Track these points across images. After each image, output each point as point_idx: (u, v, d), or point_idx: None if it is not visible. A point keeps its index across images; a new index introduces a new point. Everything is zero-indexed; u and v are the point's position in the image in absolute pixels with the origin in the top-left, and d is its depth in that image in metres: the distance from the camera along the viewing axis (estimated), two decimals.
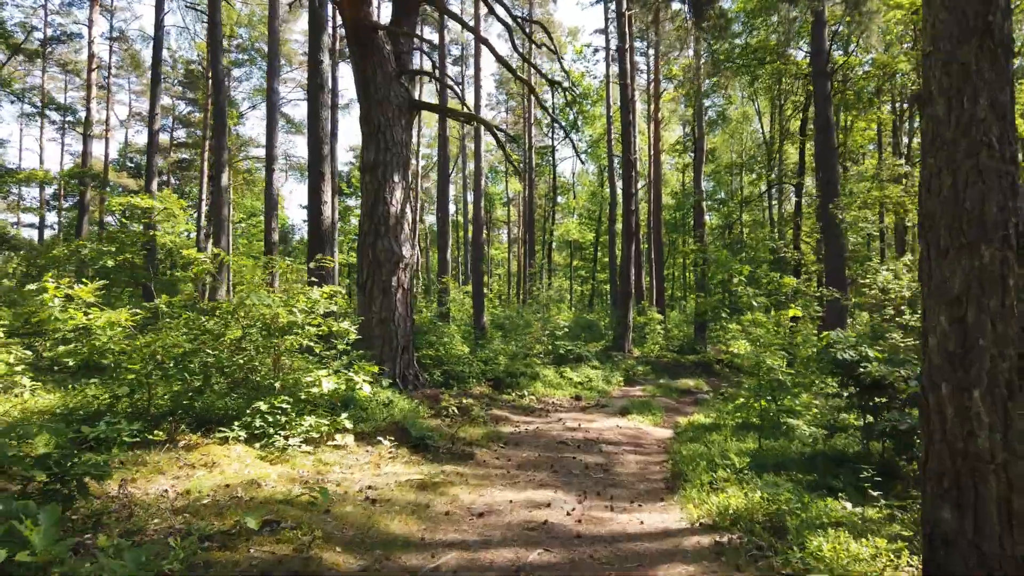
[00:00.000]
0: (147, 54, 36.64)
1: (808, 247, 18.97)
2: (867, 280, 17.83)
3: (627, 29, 21.58)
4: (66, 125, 38.70)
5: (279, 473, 5.55)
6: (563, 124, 37.96)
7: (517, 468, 6.95)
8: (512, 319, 17.84)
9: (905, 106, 24.25)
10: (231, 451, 5.79)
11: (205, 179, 33.21)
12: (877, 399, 6.46)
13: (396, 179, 10.40)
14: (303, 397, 6.45)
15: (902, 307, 17.68)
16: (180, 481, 5.14)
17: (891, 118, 19.90)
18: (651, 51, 34.87)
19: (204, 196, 33.21)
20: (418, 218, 39.52)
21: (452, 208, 49.15)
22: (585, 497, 5.94)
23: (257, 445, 6.04)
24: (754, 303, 9.01)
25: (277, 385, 6.53)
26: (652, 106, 32.88)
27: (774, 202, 29.11)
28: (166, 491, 4.76)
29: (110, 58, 35.39)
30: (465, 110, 12.31)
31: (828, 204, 15.32)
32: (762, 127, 30.51)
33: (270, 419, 6.19)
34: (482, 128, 20.96)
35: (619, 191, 23.66)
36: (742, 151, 34.29)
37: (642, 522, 5.26)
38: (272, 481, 5.31)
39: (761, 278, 10.38)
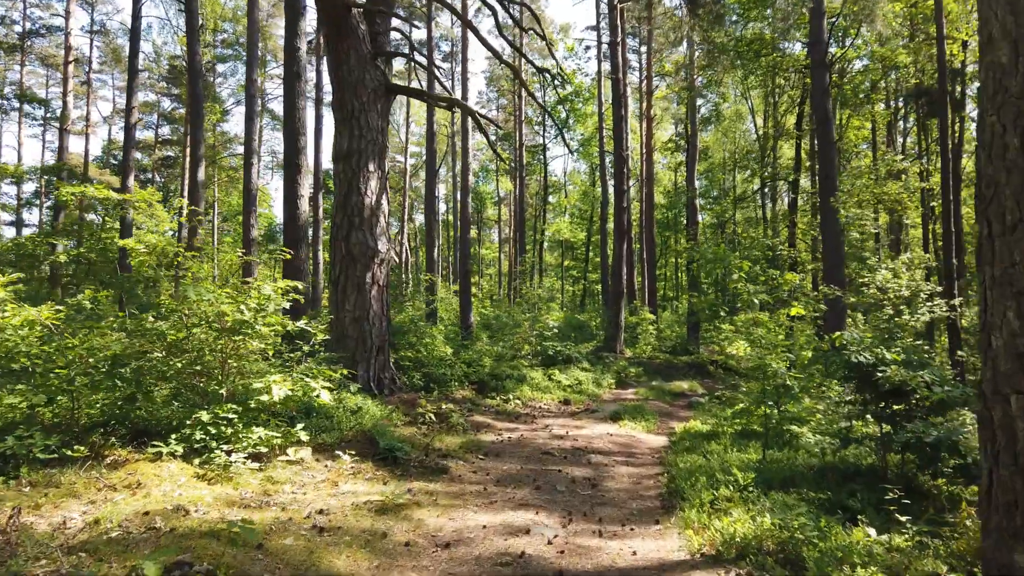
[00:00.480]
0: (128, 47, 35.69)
1: (804, 245, 18.33)
2: (865, 279, 17.22)
3: (619, 22, 20.89)
4: (47, 121, 37.66)
5: (216, 495, 4.76)
6: (550, 111, 37.34)
7: (496, 484, 6.19)
8: (500, 319, 17.07)
9: (901, 103, 23.71)
10: (163, 469, 5.00)
11: (187, 176, 32.25)
12: (896, 406, 5.76)
13: (371, 168, 9.62)
14: (253, 406, 5.66)
15: (901, 307, 17.08)
16: (95, 507, 4.34)
17: (888, 114, 19.30)
18: (643, 48, 34.25)
19: (187, 194, 32.28)
20: (407, 216, 38.74)
21: (443, 207, 48.42)
22: (570, 520, 5.19)
23: (196, 461, 5.25)
24: (755, 300, 8.32)
25: (223, 392, 5.75)
26: (644, 103, 32.24)
27: (767, 201, 28.53)
28: (65, 522, 3.97)
29: (91, 52, 34.40)
30: (446, 95, 11.53)
31: (827, 199, 14.67)
32: (755, 125, 29.91)
33: (213, 431, 5.40)
34: (470, 123, 20.21)
35: (611, 189, 22.95)
36: (735, 150, 33.71)
37: (635, 552, 4.52)
38: (205, 506, 4.52)
39: (759, 275, 9.69)
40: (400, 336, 11.30)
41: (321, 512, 4.74)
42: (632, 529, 5.05)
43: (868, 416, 6.22)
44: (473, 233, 48.83)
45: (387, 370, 9.70)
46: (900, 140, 26.16)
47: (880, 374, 5.65)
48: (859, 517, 4.86)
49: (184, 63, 34.62)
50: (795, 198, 17.87)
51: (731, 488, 5.52)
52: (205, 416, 5.37)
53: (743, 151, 34.72)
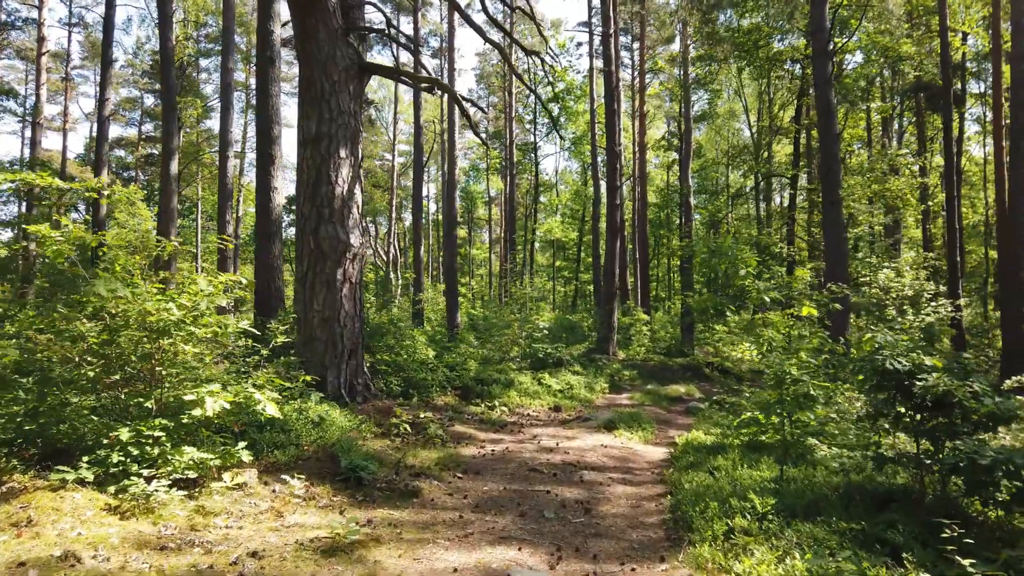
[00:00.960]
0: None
1: (802, 243, 17.60)
2: (867, 278, 16.46)
3: (612, 13, 20.09)
4: (25, 117, 36.38)
5: (127, 534, 3.86)
6: (543, 102, 36.41)
7: (474, 509, 5.32)
8: (488, 320, 16.20)
9: (897, 101, 23.08)
10: (66, 501, 4.09)
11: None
12: (937, 420, 4.94)
13: (343, 154, 8.73)
14: (186, 421, 4.76)
15: (904, 307, 16.36)
16: None
17: (888, 108, 18.59)
18: (636, 44, 33.55)
19: (160, 187, 31.16)
20: (396, 215, 37.79)
21: (433, 207, 47.48)
22: (559, 557, 4.33)
23: (112, 489, 4.34)
24: (765, 299, 7.50)
25: (151, 405, 4.84)
26: (637, 101, 31.51)
27: (762, 199, 27.85)
28: None
29: (69, 45, 33.28)
30: (426, 75, 10.64)
31: (830, 194, 13.92)
32: (749, 122, 29.27)
33: (134, 452, 4.50)
34: (457, 116, 19.34)
35: (603, 187, 22.12)
36: (728, 148, 33.03)
37: None
38: (107, 549, 3.62)
39: (765, 272, 8.89)
40: (378, 338, 10.40)
41: (254, 555, 3.84)
42: (633, 569, 4.19)
43: (900, 432, 5.41)
44: (463, 233, 47.95)
45: (360, 375, 8.80)
46: (895, 140, 25.54)
47: (919, 383, 4.82)
48: (904, 556, 4.03)
49: None
50: (794, 194, 17.13)
51: (748, 517, 4.67)
52: (124, 434, 4.46)
53: (737, 149, 34.09)
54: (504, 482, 6.23)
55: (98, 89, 39.18)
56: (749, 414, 7.44)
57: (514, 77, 31.60)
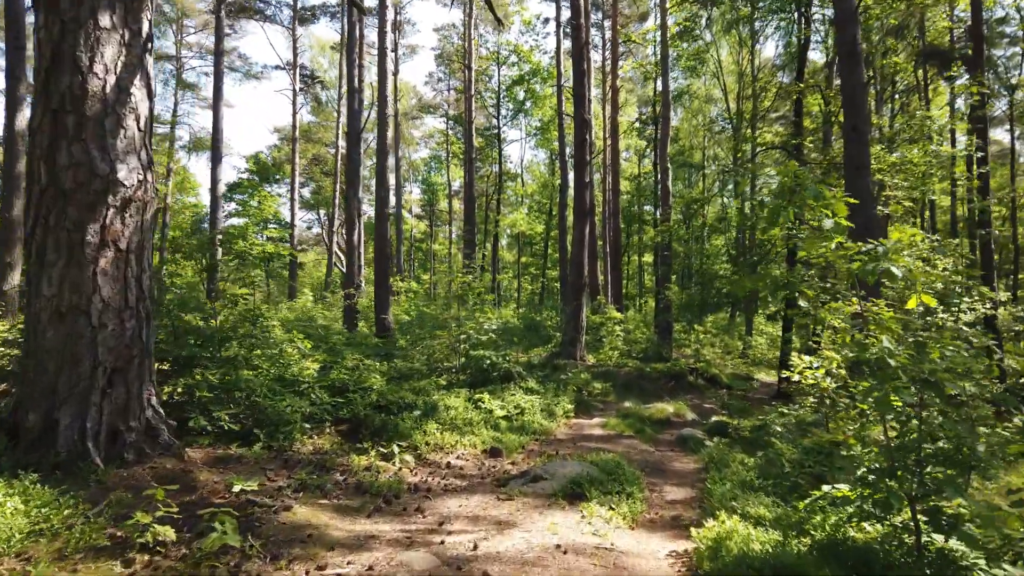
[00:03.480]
0: None
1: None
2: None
3: None
4: None
5: None
6: (505, 93, 32.57)
7: None
8: (423, 319, 12.29)
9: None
10: None
11: None
12: None
13: (107, 21, 4.77)
14: None
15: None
16: None
17: (908, 64, 15.32)
18: (607, 23, 30.07)
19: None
20: (340, 204, 33.54)
21: (393, 199, 43.25)
22: None
23: None
24: (895, 273, 3.89)
25: None
26: (608, 84, 27.99)
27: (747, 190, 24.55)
28: None
29: None
30: None
31: (855, 158, 10.44)
32: (728, 106, 25.96)
33: None
34: (389, 41, 15.40)
35: (571, 174, 18.48)
36: (705, 136, 29.79)
37: None
38: None
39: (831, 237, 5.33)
40: (212, 344, 6.40)
41: None
42: None
43: None
44: (422, 227, 43.89)
45: (137, 412, 4.82)
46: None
47: None
48: None
49: None
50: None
51: None
52: None
53: (716, 139, 30.84)
54: None
55: None
56: (856, 493, 3.74)
57: (474, 50, 27.78)
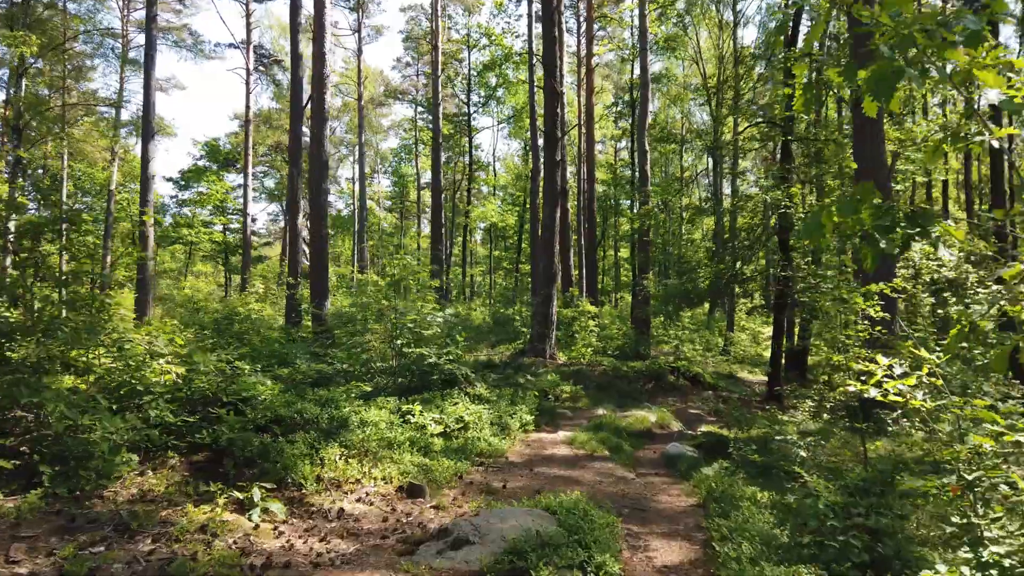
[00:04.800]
0: None
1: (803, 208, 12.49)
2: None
3: None
4: None
5: None
6: (476, 81, 30.45)
7: None
8: (363, 309, 10.24)
9: None
10: None
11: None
12: None
13: None
14: None
15: (945, 294, 11.41)
16: None
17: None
18: (582, 4, 28.22)
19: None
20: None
21: (368, 192, 40.86)
22: None
23: None
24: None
25: None
26: (583, 70, 26.13)
27: (727, 174, 23.00)
28: None
29: None
30: None
31: (867, 130, 8.73)
32: (706, 84, 24.27)
33: None
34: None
35: (542, 157, 16.54)
36: (684, 125, 28.18)
37: None
38: None
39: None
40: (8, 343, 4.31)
41: None
42: None
43: None
44: (391, 219, 41.67)
45: None
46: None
47: None
48: None
49: None
50: (788, 142, 12.07)
51: None
52: None
53: (694, 130, 29.21)
54: None
55: None
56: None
57: (441, 30, 25.70)
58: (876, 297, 5.80)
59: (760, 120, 13.84)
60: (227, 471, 4.47)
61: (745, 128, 15.20)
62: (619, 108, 29.25)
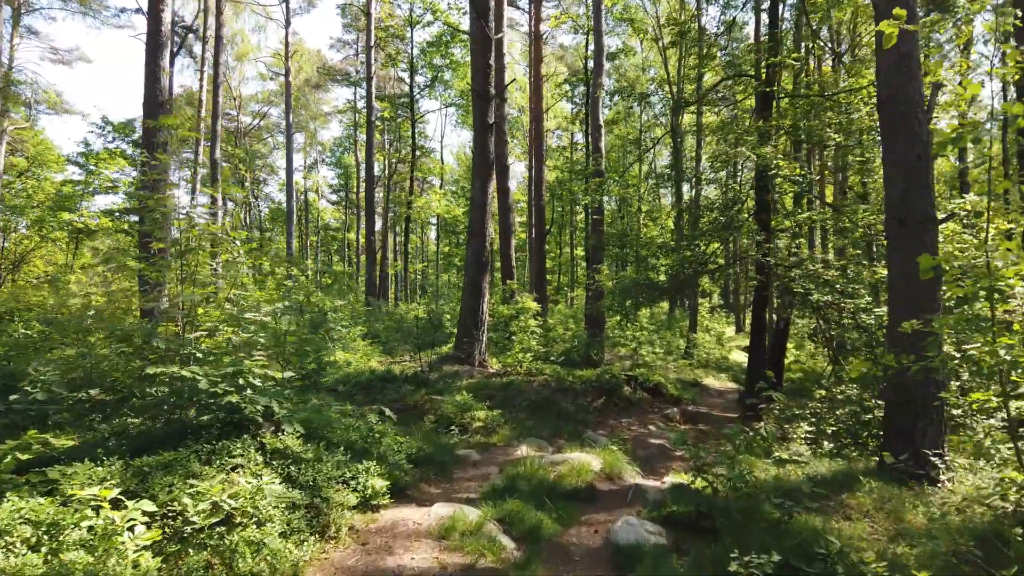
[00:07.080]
0: None
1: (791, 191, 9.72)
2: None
3: None
4: None
5: None
6: (422, 66, 27.07)
7: None
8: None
9: None
10: None
11: None
12: None
13: None
14: None
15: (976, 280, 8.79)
16: None
17: None
18: None
19: None
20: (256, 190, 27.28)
21: (309, 183, 37.14)
22: None
23: None
24: None
25: None
26: (533, 50, 23.19)
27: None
28: None
29: None
30: None
31: (898, 85, 5.95)
32: (667, 71, 21.63)
33: None
34: None
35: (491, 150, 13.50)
36: (643, 108, 25.54)
37: None
38: None
39: None
40: None
41: None
42: None
43: None
44: (336, 214, 37.94)
45: None
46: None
47: None
48: None
49: None
50: (768, 94, 9.30)
51: None
52: None
53: (652, 120, 26.67)
54: None
55: None
56: None
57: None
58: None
59: (734, 74, 11.08)
60: None
61: (719, 81, 12.41)
62: (570, 91, 26.47)
